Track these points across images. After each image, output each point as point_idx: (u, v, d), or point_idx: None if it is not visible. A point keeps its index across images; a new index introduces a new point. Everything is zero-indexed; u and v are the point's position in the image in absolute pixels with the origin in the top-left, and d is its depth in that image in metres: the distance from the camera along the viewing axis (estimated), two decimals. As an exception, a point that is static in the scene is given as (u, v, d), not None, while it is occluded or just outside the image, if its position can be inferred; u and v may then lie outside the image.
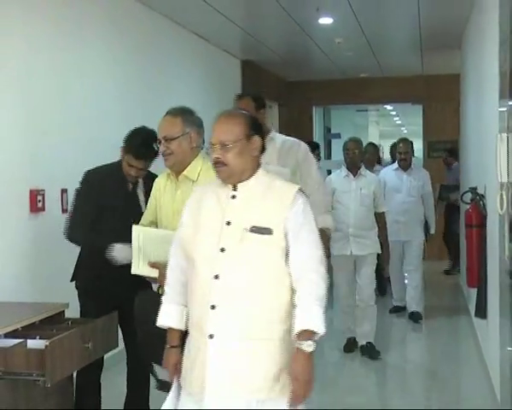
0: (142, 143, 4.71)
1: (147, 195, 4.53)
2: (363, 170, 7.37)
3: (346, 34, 9.92)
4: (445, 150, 12.95)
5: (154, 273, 3.84)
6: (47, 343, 3.83)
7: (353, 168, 7.27)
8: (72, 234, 4.71)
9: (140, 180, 4.85)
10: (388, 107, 18.53)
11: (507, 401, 4.29)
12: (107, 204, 4.68)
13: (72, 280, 4.81)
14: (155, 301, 3.64)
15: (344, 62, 12.19)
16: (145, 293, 3.98)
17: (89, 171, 4.80)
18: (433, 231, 9.37)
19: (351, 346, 7.66)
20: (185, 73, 9.42)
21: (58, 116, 5.86)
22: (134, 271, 3.95)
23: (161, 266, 3.73)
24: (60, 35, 6.20)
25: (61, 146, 4.69)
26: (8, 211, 4.85)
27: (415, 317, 8.91)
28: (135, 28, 7.75)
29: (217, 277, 3.11)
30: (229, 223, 3.17)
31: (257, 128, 3.29)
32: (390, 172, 9.33)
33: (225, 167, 3.16)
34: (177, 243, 3.41)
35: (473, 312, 7.07)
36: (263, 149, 3.33)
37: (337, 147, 17.07)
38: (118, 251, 4.38)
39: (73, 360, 4.06)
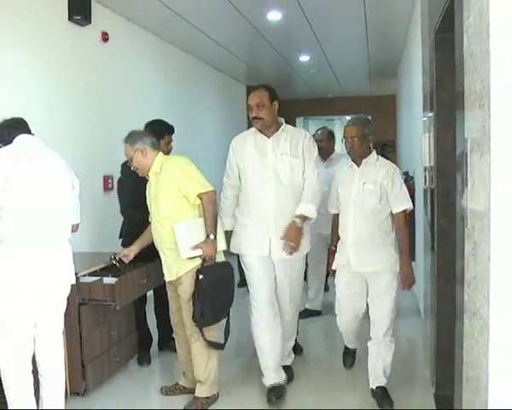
0: (165, 122, 4.65)
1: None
2: (371, 158, 3.85)
3: (319, 67, 9.88)
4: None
5: (198, 252, 3.65)
6: (117, 280, 3.88)
7: (357, 159, 3.85)
8: (123, 213, 4.56)
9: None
10: (348, 117, 18.44)
11: (427, 315, 4.34)
12: (135, 189, 4.25)
13: (120, 238, 4.63)
14: (215, 272, 3.68)
15: (317, 86, 12.16)
16: (207, 268, 3.66)
17: (123, 163, 4.49)
18: None
19: (348, 357, 4.51)
20: (206, 95, 9.42)
21: (122, 123, 5.91)
22: (184, 255, 3.65)
23: (203, 245, 3.65)
24: (128, 71, 6.22)
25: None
26: (89, 190, 4.88)
27: None
28: (173, 67, 7.77)
29: None
30: None
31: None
32: None
33: None
34: None
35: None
36: None
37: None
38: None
39: (134, 291, 4.11)
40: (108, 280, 3.94)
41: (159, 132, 4.47)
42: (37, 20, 4.75)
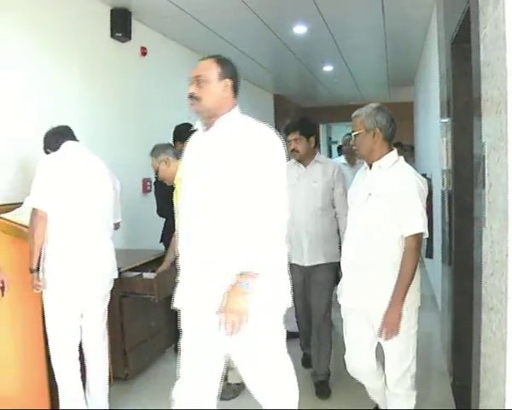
0: (190, 125, 4.44)
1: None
2: (385, 161, 2.72)
3: (341, 76, 9.83)
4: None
5: None
6: (155, 275, 3.91)
7: (366, 160, 2.81)
8: (158, 213, 4.53)
9: None
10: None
11: (445, 308, 4.28)
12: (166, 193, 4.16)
13: (160, 242, 4.57)
14: None
15: (339, 94, 12.09)
16: None
17: None
18: None
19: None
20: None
21: (160, 130, 5.95)
22: None
23: None
24: (164, 81, 6.27)
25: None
26: (130, 192, 4.92)
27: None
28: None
29: None
30: None
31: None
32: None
33: None
34: None
35: (424, 254, 7.04)
36: None
37: (335, 150, 17.03)
38: None
39: (171, 286, 4.12)
40: (148, 275, 3.97)
41: (184, 135, 4.46)
42: (83, 37, 4.81)
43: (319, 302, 3.03)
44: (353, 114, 2.84)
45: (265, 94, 11.35)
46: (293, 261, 3.63)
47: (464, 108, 3.30)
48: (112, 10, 5.21)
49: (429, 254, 6.34)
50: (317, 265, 3.71)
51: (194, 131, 4.23)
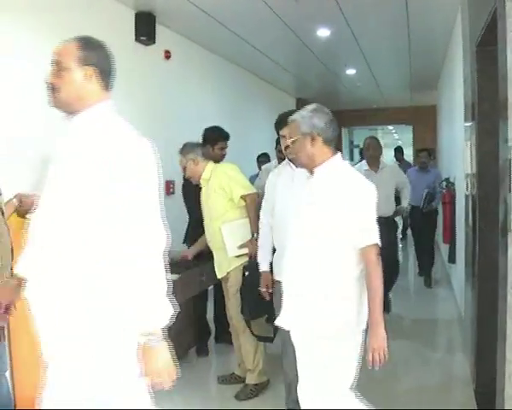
0: (220, 128, 4.56)
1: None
2: (326, 166, 2.40)
3: (364, 80, 9.80)
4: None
5: (244, 251, 3.67)
6: (178, 277, 3.92)
7: (303, 167, 2.51)
8: (188, 212, 4.64)
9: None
10: (390, 127, 18.22)
11: (468, 314, 4.23)
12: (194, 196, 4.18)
13: (183, 243, 4.64)
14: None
15: (361, 98, 12.05)
16: (252, 265, 3.55)
17: None
18: None
19: None
20: (258, 106, 9.45)
21: (182, 132, 5.99)
22: (231, 254, 3.68)
23: (249, 243, 3.66)
24: (188, 84, 6.31)
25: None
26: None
27: None
28: (227, 80, 7.84)
29: None
30: None
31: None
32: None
33: None
34: None
35: (446, 259, 6.97)
36: None
37: (357, 154, 16.96)
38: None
39: (194, 287, 4.14)
40: (170, 277, 3.98)
41: (213, 138, 4.52)
42: (108, 40, 4.83)
43: None
44: (289, 119, 2.54)
45: (288, 97, 11.36)
46: (276, 278, 3.15)
47: (489, 111, 3.26)
48: (136, 14, 5.26)
49: (452, 260, 6.28)
50: None
51: (224, 134, 4.46)
